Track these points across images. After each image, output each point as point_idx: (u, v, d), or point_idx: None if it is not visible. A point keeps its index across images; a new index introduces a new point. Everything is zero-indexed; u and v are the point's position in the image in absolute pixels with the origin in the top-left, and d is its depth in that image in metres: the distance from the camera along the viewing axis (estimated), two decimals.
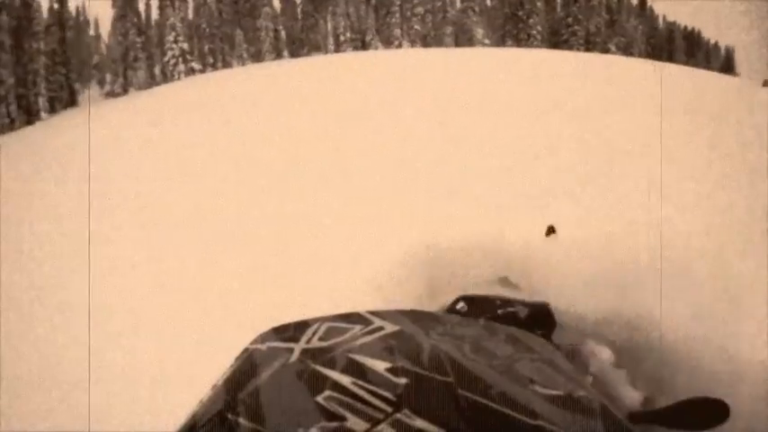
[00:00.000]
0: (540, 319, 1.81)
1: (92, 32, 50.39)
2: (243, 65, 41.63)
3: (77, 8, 48.19)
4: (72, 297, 4.48)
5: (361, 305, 0.81)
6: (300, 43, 49.99)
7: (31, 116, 38.41)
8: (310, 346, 0.68)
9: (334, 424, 0.55)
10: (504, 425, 0.56)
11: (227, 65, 44.71)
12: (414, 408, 0.54)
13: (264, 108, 15.02)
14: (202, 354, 3.49)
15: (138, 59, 42.63)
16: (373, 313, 0.73)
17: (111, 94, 41.04)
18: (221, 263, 5.68)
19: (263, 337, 0.73)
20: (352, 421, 0.55)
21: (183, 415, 0.78)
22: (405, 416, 0.55)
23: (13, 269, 5.09)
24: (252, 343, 0.73)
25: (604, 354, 2.23)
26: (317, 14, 49.40)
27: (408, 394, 0.57)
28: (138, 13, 44.46)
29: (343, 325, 0.71)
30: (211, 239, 6.56)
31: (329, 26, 49.85)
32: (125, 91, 41.36)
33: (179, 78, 39.12)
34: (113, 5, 42.99)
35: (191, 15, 48.25)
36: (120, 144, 12.88)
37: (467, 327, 0.75)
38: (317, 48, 48.45)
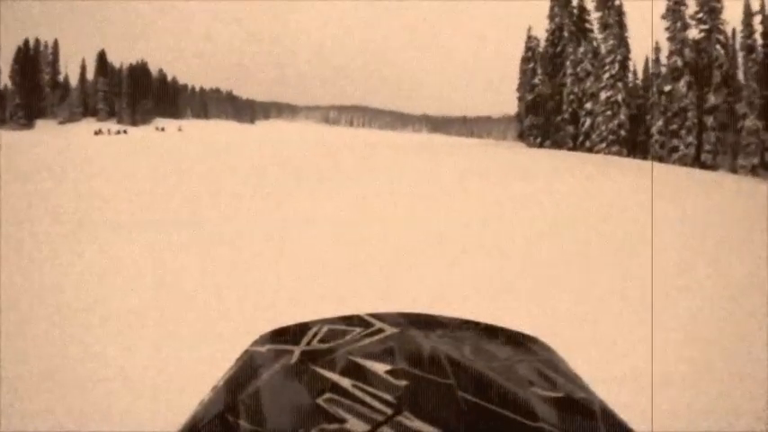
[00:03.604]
0: None
1: None
2: None
3: None
4: (72, 297, 4.48)
5: (360, 308, 0.81)
6: None
7: None
8: (310, 347, 0.68)
9: (335, 426, 0.55)
10: (504, 427, 0.56)
11: None
12: (414, 410, 0.55)
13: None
14: (202, 354, 3.49)
15: None
16: (373, 315, 0.74)
17: None
18: (221, 264, 5.69)
19: (263, 339, 0.73)
20: (353, 423, 0.55)
21: (183, 415, 0.78)
22: (405, 418, 0.55)
23: (13, 269, 5.09)
24: (252, 345, 0.73)
25: None
26: None
27: (408, 396, 0.57)
28: None
29: (344, 327, 0.72)
30: (211, 241, 6.56)
31: None
32: None
33: None
34: None
35: None
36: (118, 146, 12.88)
37: (467, 329, 0.75)
38: None
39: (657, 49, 28.43)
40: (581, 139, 30.06)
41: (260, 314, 4.11)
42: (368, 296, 4.92)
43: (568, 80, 31.04)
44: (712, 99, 25.24)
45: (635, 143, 28.62)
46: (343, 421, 0.56)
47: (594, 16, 30.75)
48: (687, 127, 25.60)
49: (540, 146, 31.92)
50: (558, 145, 31.14)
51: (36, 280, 4.88)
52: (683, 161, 25.00)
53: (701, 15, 26.52)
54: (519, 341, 0.76)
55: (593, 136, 29.11)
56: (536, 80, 33.24)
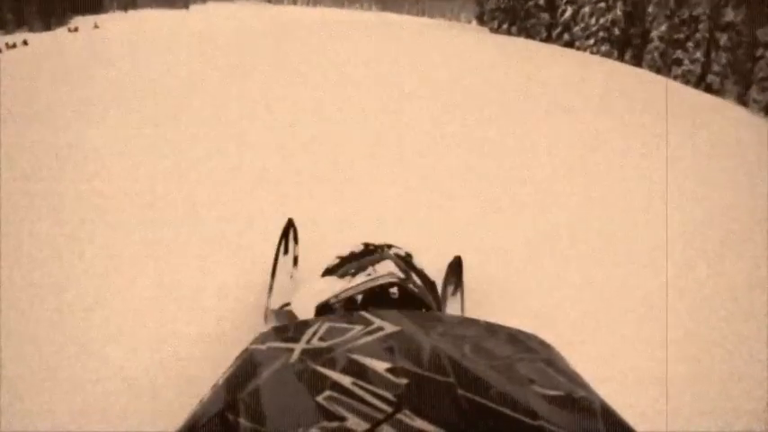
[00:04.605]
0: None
1: None
2: None
3: None
4: (72, 297, 4.48)
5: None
6: None
7: None
8: (310, 346, 0.68)
9: (335, 424, 0.55)
10: (504, 425, 0.56)
11: None
12: (414, 408, 0.55)
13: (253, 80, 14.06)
14: (202, 354, 3.49)
15: None
16: (374, 313, 0.74)
17: None
18: (220, 262, 5.68)
19: (263, 337, 0.73)
20: (353, 421, 0.55)
21: (183, 415, 0.78)
22: (405, 416, 0.55)
23: (13, 269, 5.08)
24: (252, 343, 0.73)
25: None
26: None
27: (409, 395, 0.57)
28: None
29: (344, 325, 0.72)
30: (211, 239, 6.55)
31: None
32: None
33: None
34: None
35: None
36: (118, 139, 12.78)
37: (467, 327, 0.75)
38: None
39: None
40: (558, 29, 24.95)
41: (259, 311, 4.11)
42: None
43: None
44: (730, 15, 20.79)
45: (625, 45, 23.68)
46: (343, 419, 0.56)
47: None
48: (696, 40, 21.25)
49: (508, 32, 26.90)
50: (527, 33, 25.96)
51: (36, 280, 4.87)
52: (685, 77, 21.04)
53: None
54: (519, 339, 0.76)
55: (576, 29, 24.17)
56: None
